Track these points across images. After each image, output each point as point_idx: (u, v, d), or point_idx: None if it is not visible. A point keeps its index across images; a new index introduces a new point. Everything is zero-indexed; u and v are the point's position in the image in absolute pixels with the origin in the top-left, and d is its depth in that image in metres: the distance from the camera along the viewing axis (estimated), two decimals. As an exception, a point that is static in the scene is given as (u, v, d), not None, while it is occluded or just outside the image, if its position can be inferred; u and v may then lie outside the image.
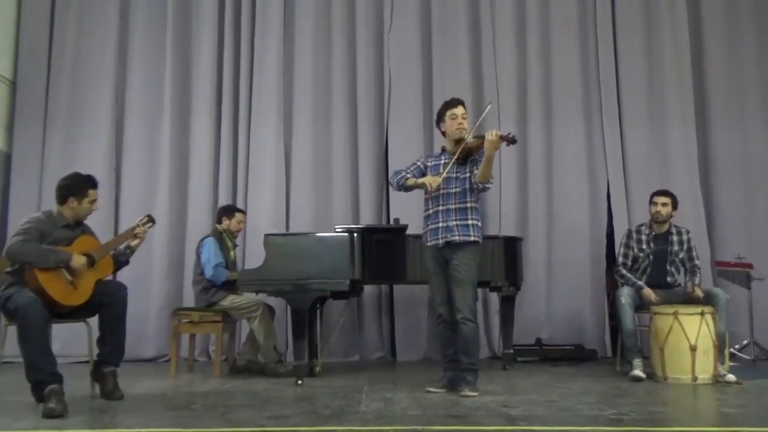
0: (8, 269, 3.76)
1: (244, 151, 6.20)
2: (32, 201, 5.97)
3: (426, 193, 4.12)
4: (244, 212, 5.64)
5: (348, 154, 6.25)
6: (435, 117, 4.32)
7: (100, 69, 6.30)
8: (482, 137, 3.93)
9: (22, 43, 6.30)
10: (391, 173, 5.92)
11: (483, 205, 4.39)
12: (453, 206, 4.07)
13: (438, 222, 4.09)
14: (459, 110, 4.14)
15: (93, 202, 3.94)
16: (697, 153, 6.18)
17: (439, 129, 4.28)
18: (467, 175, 4.08)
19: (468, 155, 4.07)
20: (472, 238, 4.05)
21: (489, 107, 4.35)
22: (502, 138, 3.86)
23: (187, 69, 6.37)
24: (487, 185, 4.05)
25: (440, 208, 4.09)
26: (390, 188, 6.07)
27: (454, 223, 4.05)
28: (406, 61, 6.29)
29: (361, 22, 6.35)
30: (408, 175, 4.16)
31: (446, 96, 4.41)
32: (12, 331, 3.60)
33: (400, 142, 6.14)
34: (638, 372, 4.54)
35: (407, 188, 4.17)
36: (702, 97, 6.34)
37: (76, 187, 3.90)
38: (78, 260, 3.74)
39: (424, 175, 4.18)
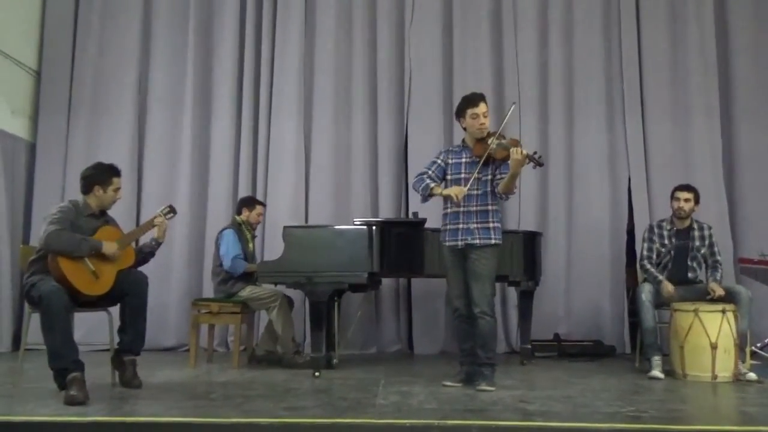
0: (32, 257, 3.82)
1: (264, 143, 6.23)
2: (56, 190, 6.05)
3: (450, 203, 4.05)
4: (264, 204, 5.66)
5: (368, 147, 6.26)
6: (455, 110, 4.24)
7: (124, 59, 6.36)
8: (506, 148, 3.88)
9: (46, 33, 6.36)
10: (411, 178, 5.88)
11: (503, 199, 4.43)
12: (474, 209, 4.03)
13: (458, 223, 4.05)
14: (480, 108, 4.03)
15: (117, 190, 4.01)
16: (721, 148, 6.08)
17: (460, 124, 4.21)
18: (489, 177, 4.04)
19: (490, 159, 4.03)
20: (493, 242, 4.03)
21: (513, 108, 4.20)
22: (528, 158, 3.82)
23: (208, 61, 6.41)
24: (509, 196, 4.04)
25: (461, 209, 4.04)
26: (409, 187, 6.07)
27: (475, 226, 4.02)
28: (426, 53, 6.26)
29: (383, 14, 6.33)
30: (432, 184, 4.03)
31: (467, 89, 4.34)
32: (35, 318, 3.65)
33: (420, 135, 6.12)
34: (657, 372, 4.48)
35: (432, 196, 4.06)
36: (727, 92, 6.22)
37: (101, 175, 3.96)
38: (109, 247, 3.80)
39: (445, 173, 4.14)
